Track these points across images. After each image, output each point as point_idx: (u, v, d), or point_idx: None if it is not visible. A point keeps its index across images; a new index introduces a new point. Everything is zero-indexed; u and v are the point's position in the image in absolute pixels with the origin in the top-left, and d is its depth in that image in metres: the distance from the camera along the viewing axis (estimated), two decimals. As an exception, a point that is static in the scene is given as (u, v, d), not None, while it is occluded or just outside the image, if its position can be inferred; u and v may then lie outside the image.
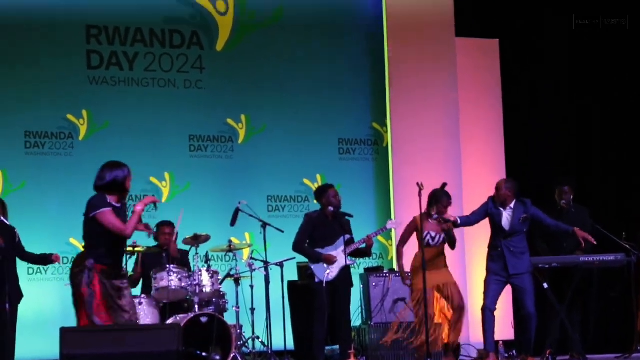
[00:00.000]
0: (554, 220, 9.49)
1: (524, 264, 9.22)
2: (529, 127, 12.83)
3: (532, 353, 9.36)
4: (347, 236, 9.82)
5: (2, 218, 8.80)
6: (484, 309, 9.20)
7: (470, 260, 11.44)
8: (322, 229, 9.90)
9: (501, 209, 9.22)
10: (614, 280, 11.52)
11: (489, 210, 9.23)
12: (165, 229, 10.14)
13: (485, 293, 9.21)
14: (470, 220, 9.29)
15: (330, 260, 9.74)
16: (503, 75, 12.56)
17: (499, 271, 9.18)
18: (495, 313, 9.39)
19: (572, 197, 10.40)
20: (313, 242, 9.90)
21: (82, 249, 7.47)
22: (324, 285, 9.65)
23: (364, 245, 9.96)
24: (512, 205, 9.26)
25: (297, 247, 9.93)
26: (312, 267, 9.81)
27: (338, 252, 9.77)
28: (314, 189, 10.73)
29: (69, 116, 11.30)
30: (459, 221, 9.05)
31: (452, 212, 11.25)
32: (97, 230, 7.21)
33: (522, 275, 9.20)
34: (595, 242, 9.53)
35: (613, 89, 13.04)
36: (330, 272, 9.71)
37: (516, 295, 9.35)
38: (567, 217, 10.22)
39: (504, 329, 11.52)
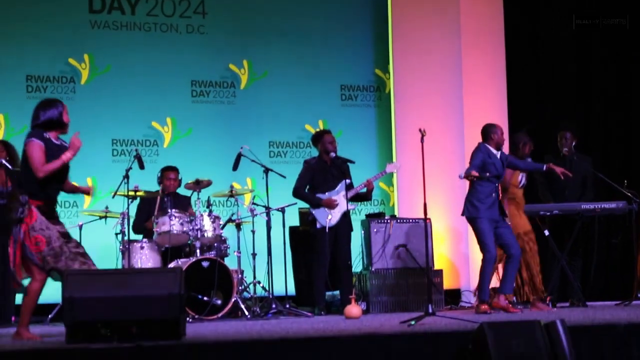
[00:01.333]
0: (523, 162, 9.63)
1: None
2: (531, 74, 12.77)
3: (512, 292, 9.41)
4: (348, 181, 9.82)
5: (3, 161, 8.75)
6: (490, 259, 9.05)
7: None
8: (321, 174, 9.90)
9: (496, 155, 9.21)
10: (615, 227, 11.54)
11: (485, 159, 9.16)
12: (170, 174, 10.16)
13: (486, 242, 9.02)
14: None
15: (331, 204, 9.75)
16: (506, 23, 12.46)
17: (494, 217, 9.12)
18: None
19: (574, 143, 10.35)
20: (313, 188, 9.91)
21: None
22: (326, 230, 9.68)
23: (364, 190, 9.98)
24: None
25: (297, 192, 9.94)
26: (314, 212, 9.82)
27: (339, 197, 9.79)
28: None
29: (71, 60, 11.27)
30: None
31: (454, 159, 11.34)
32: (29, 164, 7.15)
33: (504, 219, 9.30)
34: (570, 174, 9.58)
35: (617, 37, 12.96)
36: (332, 218, 9.73)
37: (504, 238, 9.28)
38: (569, 164, 10.20)
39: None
